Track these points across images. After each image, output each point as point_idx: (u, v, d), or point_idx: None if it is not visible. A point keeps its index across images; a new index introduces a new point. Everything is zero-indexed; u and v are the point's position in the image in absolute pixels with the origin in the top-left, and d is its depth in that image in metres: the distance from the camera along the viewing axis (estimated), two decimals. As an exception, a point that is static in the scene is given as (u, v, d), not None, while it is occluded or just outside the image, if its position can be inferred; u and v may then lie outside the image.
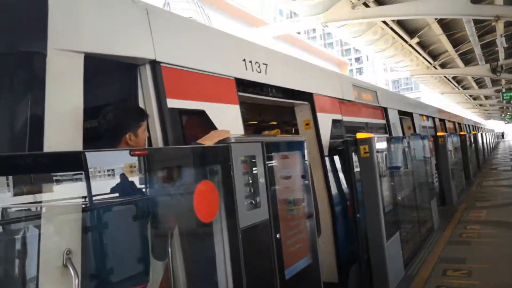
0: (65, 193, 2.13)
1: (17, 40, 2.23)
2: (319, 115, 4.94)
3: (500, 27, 11.93)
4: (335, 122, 5.35)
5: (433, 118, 13.02)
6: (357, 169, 5.04)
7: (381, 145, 5.24)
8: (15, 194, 1.98)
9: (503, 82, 25.34)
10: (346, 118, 5.77)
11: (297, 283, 2.92)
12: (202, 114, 2.95)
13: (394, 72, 31.95)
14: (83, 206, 2.16)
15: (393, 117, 8.21)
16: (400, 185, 6.14)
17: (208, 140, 2.38)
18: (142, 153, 1.99)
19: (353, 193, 4.96)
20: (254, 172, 2.58)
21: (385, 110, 7.80)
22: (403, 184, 6.43)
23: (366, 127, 6.79)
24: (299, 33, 33.99)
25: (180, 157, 2.25)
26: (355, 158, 5.00)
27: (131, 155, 1.88)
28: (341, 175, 5.11)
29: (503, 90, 26.21)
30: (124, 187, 2.25)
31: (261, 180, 2.63)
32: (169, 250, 2.53)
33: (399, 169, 6.27)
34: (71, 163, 1.97)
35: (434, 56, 19.18)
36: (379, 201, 4.88)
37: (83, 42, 2.41)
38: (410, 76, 23.14)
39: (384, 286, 4.78)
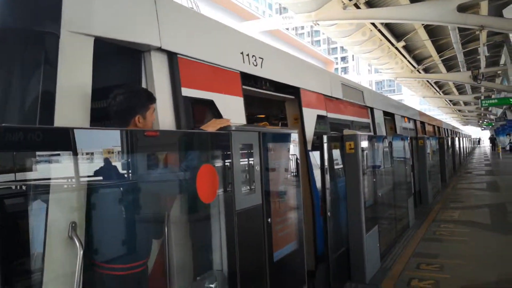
0: (69, 169, 2.25)
1: (32, 19, 2.32)
2: (305, 110, 5.07)
3: (483, 36, 12.37)
4: (320, 118, 5.51)
5: (414, 121, 13.42)
6: (337, 166, 5.12)
7: (365, 143, 5.47)
8: (21, 170, 2.09)
9: (482, 89, 26.13)
10: (331, 115, 5.94)
11: (283, 265, 3.10)
12: (211, 103, 3.11)
13: (378, 73, 32.47)
14: (88, 182, 2.28)
15: (378, 117, 8.48)
16: (380, 182, 6.40)
17: (211, 127, 2.52)
18: (154, 134, 2.12)
19: (324, 190, 4.79)
20: (251, 159, 2.74)
21: (371, 110, 8.05)
22: (382, 181, 6.70)
23: (351, 125, 7.02)
24: (287, 29, 34.16)
25: (186, 140, 2.39)
26: (335, 154, 5.06)
27: (144, 136, 2.01)
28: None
29: (482, 97, 27.03)
30: (129, 166, 2.38)
31: (257, 167, 2.79)
32: (165, 229, 2.68)
33: (379, 168, 6.52)
34: (74, 140, 2.05)
35: (418, 60, 19.65)
36: (361, 196, 5.11)
37: (94, 26, 2.51)
38: (394, 79, 23.63)
39: (361, 276, 5.03)
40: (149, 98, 2.49)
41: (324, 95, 5.79)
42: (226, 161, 2.51)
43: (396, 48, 16.28)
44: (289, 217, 3.38)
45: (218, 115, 3.20)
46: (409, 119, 12.60)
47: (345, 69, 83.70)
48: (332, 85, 6.18)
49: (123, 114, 2.39)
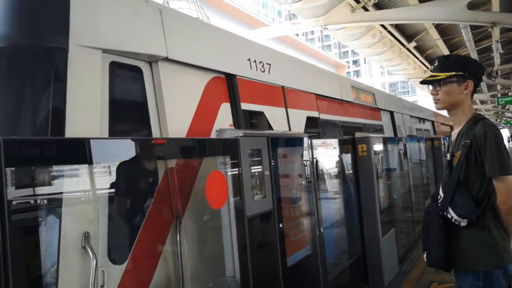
0: (81, 182, 2.29)
1: (41, 34, 2.38)
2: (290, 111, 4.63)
3: (496, 33, 12.15)
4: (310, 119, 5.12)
5: (431, 121, 13.28)
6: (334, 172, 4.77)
7: (378, 145, 5.41)
8: (38, 185, 2.13)
9: (498, 87, 25.63)
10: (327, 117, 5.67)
11: (298, 271, 3.07)
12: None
13: (391, 75, 32.23)
14: (99, 194, 2.31)
15: (397, 118, 8.63)
16: (395, 185, 6.31)
17: None
18: (161, 142, 2.14)
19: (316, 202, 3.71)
20: (260, 164, 2.74)
21: (391, 113, 8.16)
22: (398, 184, 6.61)
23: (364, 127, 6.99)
24: (297, 34, 34.20)
25: (193, 148, 2.41)
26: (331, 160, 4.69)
27: (152, 143, 2.03)
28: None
29: (499, 95, 26.48)
30: (140, 174, 2.41)
31: (266, 172, 2.79)
32: (178, 237, 2.68)
33: (394, 170, 6.44)
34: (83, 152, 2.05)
35: (431, 60, 19.39)
36: (375, 199, 5.04)
37: (101, 39, 2.56)
38: (407, 80, 23.39)
39: (378, 280, 4.96)
40: None
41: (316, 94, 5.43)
42: (235, 167, 2.51)
43: (408, 49, 16.10)
44: (302, 222, 3.36)
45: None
46: (424, 120, 12.47)
47: (357, 72, 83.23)
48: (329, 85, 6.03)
49: None
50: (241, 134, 2.56)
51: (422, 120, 12.27)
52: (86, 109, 2.41)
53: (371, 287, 4.97)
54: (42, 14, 2.38)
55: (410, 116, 10.72)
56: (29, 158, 1.56)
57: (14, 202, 2.23)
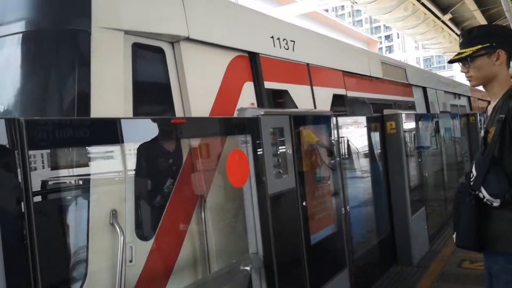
0: (108, 162, 2.37)
1: (63, 18, 2.43)
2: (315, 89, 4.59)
3: (539, 1, 11.41)
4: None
5: (467, 97, 12.79)
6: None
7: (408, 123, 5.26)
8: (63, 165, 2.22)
9: (541, 59, 24.21)
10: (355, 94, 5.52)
11: (322, 248, 3.08)
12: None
13: (425, 50, 31.02)
14: (127, 172, 2.38)
15: (430, 95, 8.44)
16: (426, 163, 6.15)
17: None
18: (181, 122, 2.17)
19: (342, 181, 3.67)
20: (282, 143, 2.73)
21: (424, 89, 7.96)
22: (429, 162, 6.44)
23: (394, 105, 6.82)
24: (326, 10, 33.26)
25: (213, 126, 2.42)
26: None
27: (171, 123, 2.06)
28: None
29: (541, 67, 25.01)
30: (163, 153, 2.46)
31: (289, 151, 2.78)
32: (203, 214, 2.74)
33: (425, 148, 6.26)
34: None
35: (468, 32, 18.49)
36: (405, 177, 4.94)
37: (123, 21, 2.59)
38: (443, 54, 22.45)
39: (407, 259, 4.90)
40: None
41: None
42: (256, 145, 2.52)
43: (443, 22, 15.38)
44: (327, 200, 3.35)
45: None
46: (459, 95, 12.02)
47: (389, 48, 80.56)
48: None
49: None
50: (262, 113, 2.55)
51: (457, 95, 11.82)
52: (110, 90, 2.46)
53: (400, 265, 4.92)
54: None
55: (445, 91, 10.35)
56: (54, 139, 1.61)
57: (49, 182, 2.37)
